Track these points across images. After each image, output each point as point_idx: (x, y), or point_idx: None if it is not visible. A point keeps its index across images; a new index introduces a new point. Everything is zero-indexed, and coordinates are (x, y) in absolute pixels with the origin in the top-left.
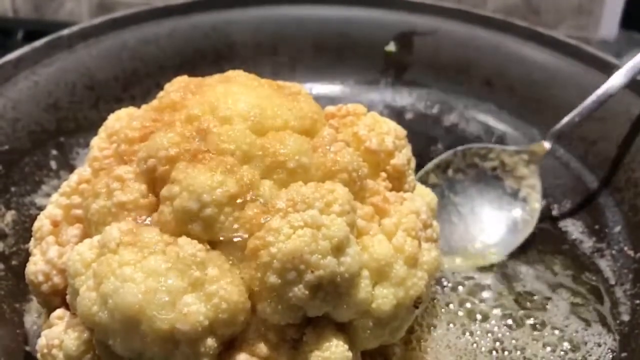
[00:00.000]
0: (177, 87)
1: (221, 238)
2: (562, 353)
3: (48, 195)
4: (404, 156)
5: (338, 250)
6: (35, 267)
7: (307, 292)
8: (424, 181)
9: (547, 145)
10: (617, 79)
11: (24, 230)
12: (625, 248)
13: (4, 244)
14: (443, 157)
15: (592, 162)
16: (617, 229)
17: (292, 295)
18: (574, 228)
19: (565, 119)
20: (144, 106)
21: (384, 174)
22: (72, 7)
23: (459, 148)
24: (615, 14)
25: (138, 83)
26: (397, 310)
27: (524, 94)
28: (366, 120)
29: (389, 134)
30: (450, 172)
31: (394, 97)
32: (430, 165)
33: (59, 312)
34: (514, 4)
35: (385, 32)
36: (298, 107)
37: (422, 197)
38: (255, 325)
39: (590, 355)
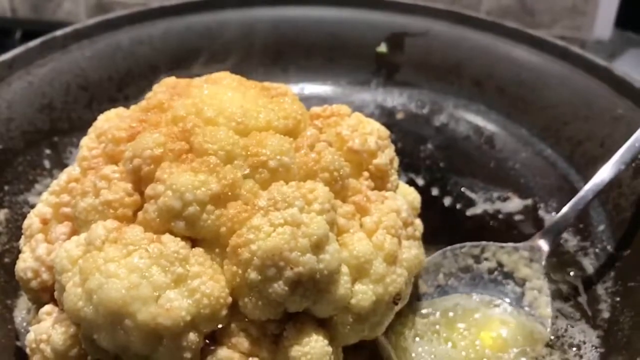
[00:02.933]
0: (165, 88)
1: None
2: (548, 349)
3: (41, 194)
4: (387, 156)
5: (317, 247)
6: (25, 264)
7: (286, 288)
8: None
9: (545, 246)
10: (606, 172)
11: (16, 229)
12: (608, 246)
13: None
14: (430, 259)
15: (578, 162)
16: (601, 227)
17: (272, 291)
18: None
19: (560, 215)
20: (132, 107)
21: (366, 174)
22: (70, 8)
23: (448, 248)
24: (610, 14)
25: (132, 83)
26: (377, 307)
27: (513, 94)
28: (350, 121)
29: (372, 134)
30: (440, 277)
31: (385, 97)
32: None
33: (48, 307)
34: (508, 5)
35: (376, 33)
36: (282, 108)
37: (405, 196)
38: (237, 320)
39: (575, 355)
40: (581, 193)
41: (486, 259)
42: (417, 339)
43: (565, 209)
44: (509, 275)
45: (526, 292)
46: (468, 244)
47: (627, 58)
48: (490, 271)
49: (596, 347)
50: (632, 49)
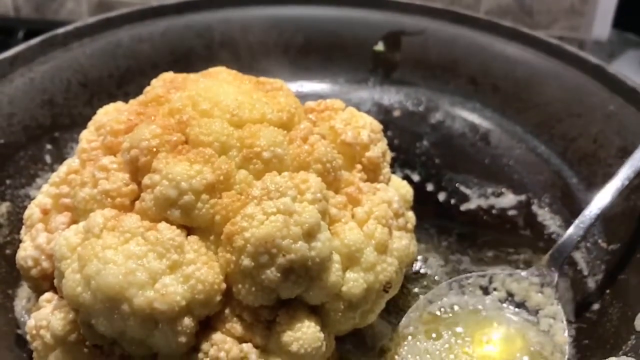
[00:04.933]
0: (162, 82)
1: None
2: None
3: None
4: (379, 149)
5: (309, 235)
6: (25, 252)
7: (279, 275)
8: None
9: (554, 270)
10: (609, 191)
11: (18, 221)
12: (600, 241)
13: None
14: (435, 291)
15: (571, 158)
16: None
17: (264, 278)
18: (552, 222)
19: (564, 237)
20: (131, 101)
21: (359, 166)
22: (73, 7)
23: (453, 279)
24: (608, 15)
25: (132, 80)
26: (367, 294)
27: (508, 92)
28: (343, 115)
29: (365, 128)
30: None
31: (382, 95)
32: (422, 301)
33: (47, 295)
34: (507, 5)
35: (374, 32)
36: (276, 102)
37: (398, 189)
38: (231, 306)
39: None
40: (585, 211)
41: (495, 289)
42: (410, 337)
43: (569, 231)
44: (520, 305)
45: (540, 320)
46: (474, 274)
47: (626, 59)
48: (501, 302)
49: (584, 339)
50: (630, 50)
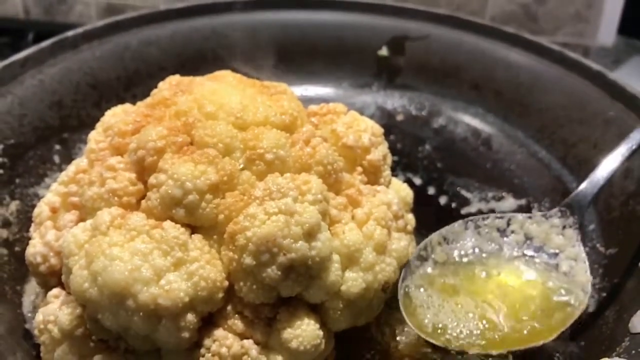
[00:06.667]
0: (169, 85)
1: None
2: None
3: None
4: (380, 152)
5: (309, 235)
6: (34, 249)
7: (279, 273)
8: (426, 258)
9: (578, 210)
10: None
11: (27, 219)
12: (598, 245)
13: (8, 232)
14: (450, 228)
15: (572, 163)
16: (591, 226)
17: (265, 276)
18: None
19: (582, 186)
20: (138, 103)
21: (360, 169)
22: (82, 10)
23: (470, 219)
24: (613, 21)
25: (139, 83)
26: (366, 293)
27: (510, 97)
28: (345, 118)
29: (366, 131)
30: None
31: (385, 99)
32: (434, 236)
33: (55, 291)
34: (512, 12)
35: (378, 37)
36: (279, 105)
37: (398, 192)
38: (233, 303)
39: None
40: (606, 160)
41: (513, 232)
42: (422, 289)
43: (593, 175)
44: (539, 249)
45: (561, 263)
46: (492, 214)
47: (631, 65)
48: (519, 245)
49: (580, 340)
50: (636, 55)
